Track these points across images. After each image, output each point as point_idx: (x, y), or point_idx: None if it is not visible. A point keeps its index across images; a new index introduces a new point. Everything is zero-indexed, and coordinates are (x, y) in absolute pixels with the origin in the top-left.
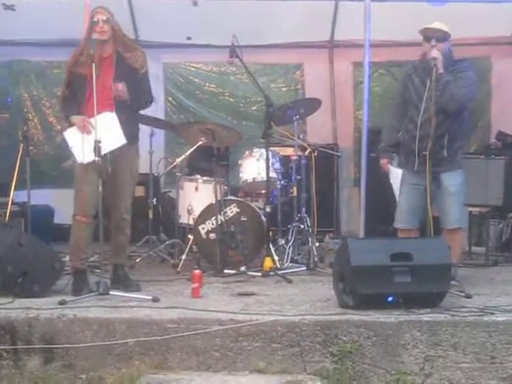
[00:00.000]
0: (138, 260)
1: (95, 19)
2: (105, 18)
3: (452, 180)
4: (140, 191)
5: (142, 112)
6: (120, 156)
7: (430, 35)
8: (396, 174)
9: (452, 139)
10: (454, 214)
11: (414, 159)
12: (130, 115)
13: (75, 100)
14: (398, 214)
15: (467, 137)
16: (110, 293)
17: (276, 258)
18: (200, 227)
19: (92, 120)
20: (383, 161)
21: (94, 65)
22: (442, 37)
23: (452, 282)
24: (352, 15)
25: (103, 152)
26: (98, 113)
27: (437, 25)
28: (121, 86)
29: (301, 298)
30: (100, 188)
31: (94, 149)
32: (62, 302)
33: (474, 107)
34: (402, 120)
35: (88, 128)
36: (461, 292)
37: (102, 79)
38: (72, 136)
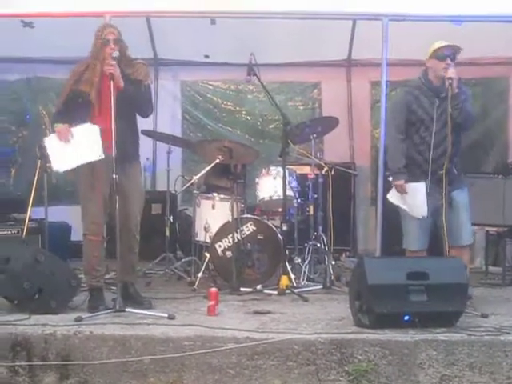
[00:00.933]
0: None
1: (107, 38)
2: (115, 37)
3: (462, 197)
4: (157, 209)
5: (160, 130)
6: (126, 174)
7: (445, 53)
8: (418, 188)
9: (458, 157)
10: (467, 231)
11: (426, 180)
12: (134, 131)
13: (68, 116)
14: (409, 235)
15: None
16: (126, 310)
17: (292, 276)
18: (216, 245)
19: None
20: (400, 182)
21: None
22: (456, 55)
23: (468, 303)
24: (370, 34)
25: (75, 164)
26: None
27: (447, 42)
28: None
29: (317, 316)
30: (117, 205)
31: (112, 166)
32: (78, 319)
33: (492, 127)
34: (405, 141)
35: (67, 136)
36: (472, 310)
37: (106, 95)
38: (51, 143)
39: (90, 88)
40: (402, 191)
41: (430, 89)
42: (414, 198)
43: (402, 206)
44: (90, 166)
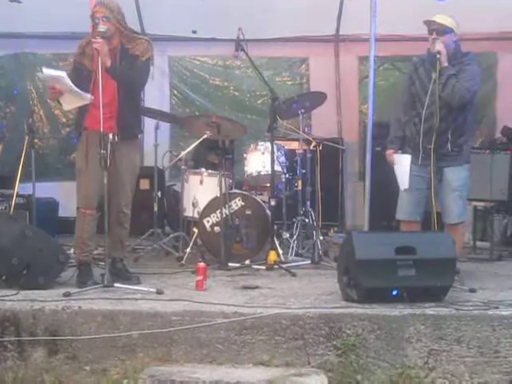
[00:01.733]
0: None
1: (95, 17)
2: (103, 14)
3: (455, 175)
4: (145, 184)
5: (148, 105)
6: (120, 150)
7: (430, 28)
8: (403, 160)
9: (456, 133)
10: (456, 209)
11: (419, 153)
12: (133, 107)
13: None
14: (400, 205)
15: (472, 131)
16: (115, 285)
17: (280, 251)
18: (205, 220)
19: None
20: (389, 151)
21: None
22: (442, 30)
23: (456, 278)
24: (358, 9)
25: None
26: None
27: (437, 17)
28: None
29: (305, 291)
30: (105, 180)
31: (100, 142)
32: (66, 294)
33: (480, 102)
34: (408, 113)
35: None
36: (461, 285)
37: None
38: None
39: (91, 64)
40: (390, 161)
41: (430, 62)
42: (398, 169)
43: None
44: (85, 141)
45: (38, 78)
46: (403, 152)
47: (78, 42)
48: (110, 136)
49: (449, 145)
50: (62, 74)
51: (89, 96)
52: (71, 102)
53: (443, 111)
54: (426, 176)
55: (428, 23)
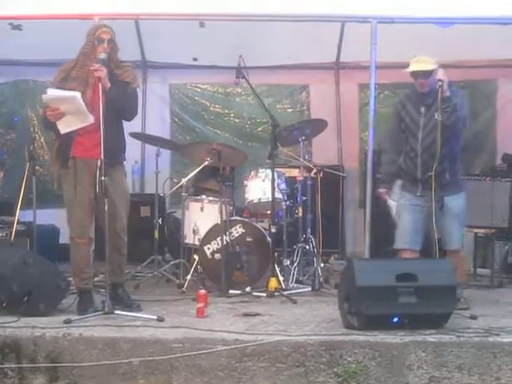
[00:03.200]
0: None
1: (101, 38)
2: (110, 37)
3: (456, 202)
4: (146, 211)
5: (149, 132)
6: (111, 177)
7: (415, 76)
8: (392, 206)
9: (452, 161)
10: (457, 235)
11: (417, 185)
12: (119, 134)
13: None
14: (399, 234)
15: (459, 159)
16: (116, 312)
17: (281, 278)
18: (205, 247)
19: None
20: (382, 190)
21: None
22: (428, 74)
23: (462, 301)
24: (358, 37)
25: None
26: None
27: (419, 64)
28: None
29: (306, 318)
30: (106, 207)
31: (100, 168)
32: (67, 321)
33: (480, 129)
34: (400, 150)
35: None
36: (466, 309)
37: (96, 97)
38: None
39: (85, 87)
40: (382, 199)
41: (417, 95)
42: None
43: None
44: (73, 170)
45: (45, 99)
46: (402, 185)
47: (59, 67)
48: (98, 162)
49: (447, 174)
50: (76, 94)
51: (92, 117)
52: (70, 124)
53: (441, 140)
54: (424, 205)
55: (414, 74)
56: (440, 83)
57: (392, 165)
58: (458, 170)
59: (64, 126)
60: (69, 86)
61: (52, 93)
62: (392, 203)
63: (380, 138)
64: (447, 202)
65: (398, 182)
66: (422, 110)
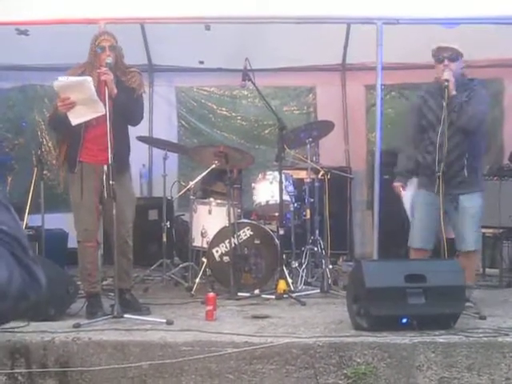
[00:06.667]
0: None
1: (102, 45)
2: (110, 44)
3: (471, 202)
4: (154, 215)
5: (156, 136)
6: (117, 182)
7: (442, 55)
8: (407, 200)
9: (471, 160)
10: (472, 236)
11: (435, 181)
12: (125, 139)
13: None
14: (413, 233)
15: (483, 157)
16: (125, 316)
17: (290, 280)
18: (214, 250)
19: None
20: (397, 184)
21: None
22: (455, 56)
23: (468, 304)
24: (364, 38)
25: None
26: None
27: (449, 44)
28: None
29: (315, 320)
30: (114, 211)
31: (107, 175)
32: (76, 326)
33: (487, 129)
34: (418, 146)
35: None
36: (476, 313)
37: (101, 101)
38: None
39: None
40: (396, 192)
41: (438, 90)
42: (406, 205)
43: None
44: (80, 174)
45: (56, 86)
46: (419, 181)
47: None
48: (105, 168)
49: (465, 171)
50: (87, 77)
51: (103, 107)
52: (82, 114)
53: (457, 138)
54: (439, 204)
55: (441, 50)
56: (446, 83)
57: (410, 161)
58: (478, 169)
59: (75, 117)
60: None
61: (63, 79)
62: (407, 194)
63: (396, 136)
64: (463, 201)
65: (414, 180)
66: (444, 103)
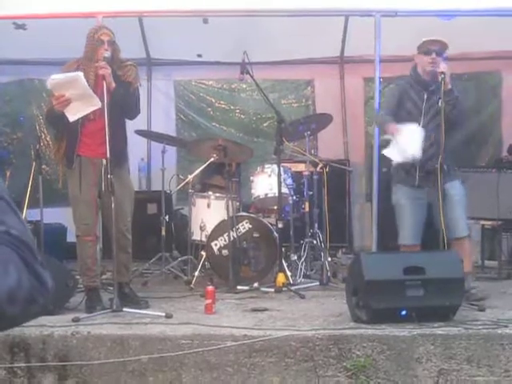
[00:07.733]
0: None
1: (102, 39)
2: (109, 39)
3: (456, 189)
4: (152, 208)
5: (154, 129)
6: (116, 176)
7: (431, 48)
8: (413, 129)
9: (449, 152)
10: (463, 222)
11: (415, 174)
12: (123, 133)
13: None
14: (403, 230)
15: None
16: (124, 310)
17: (289, 273)
18: (212, 244)
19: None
20: (391, 124)
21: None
22: (442, 51)
23: (472, 291)
24: (362, 30)
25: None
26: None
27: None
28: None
29: (314, 313)
30: (113, 205)
31: (106, 168)
32: (75, 319)
33: (486, 121)
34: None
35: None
36: (481, 299)
37: (100, 97)
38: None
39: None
40: (394, 131)
41: (419, 82)
42: (408, 138)
43: (396, 155)
44: (78, 168)
45: (50, 85)
46: (397, 177)
47: (63, 67)
48: (104, 162)
49: (447, 161)
50: (79, 73)
51: (98, 100)
52: (78, 110)
53: (439, 130)
54: (423, 197)
55: (430, 42)
56: (442, 76)
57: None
58: (453, 161)
59: (72, 113)
60: None
61: (55, 77)
62: (408, 128)
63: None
64: (448, 189)
65: (394, 176)
66: (425, 96)
